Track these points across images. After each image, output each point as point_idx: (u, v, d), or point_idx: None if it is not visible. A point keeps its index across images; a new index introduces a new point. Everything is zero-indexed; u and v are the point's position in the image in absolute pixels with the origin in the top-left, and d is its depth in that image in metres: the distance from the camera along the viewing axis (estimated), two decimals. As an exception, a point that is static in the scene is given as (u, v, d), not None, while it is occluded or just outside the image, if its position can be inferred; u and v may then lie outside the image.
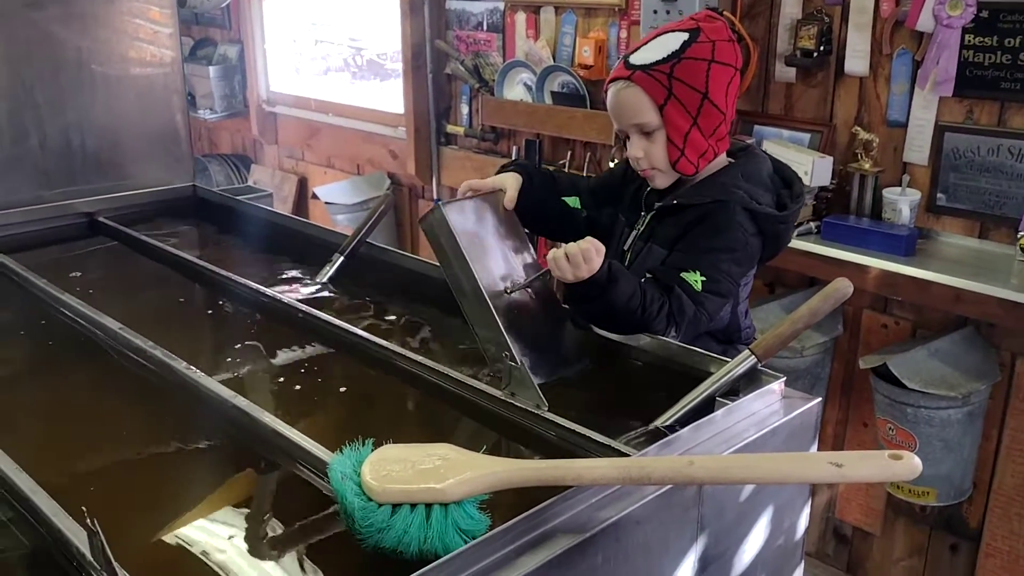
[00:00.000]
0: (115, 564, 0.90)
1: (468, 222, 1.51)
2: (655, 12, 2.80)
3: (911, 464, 0.95)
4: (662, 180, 1.70)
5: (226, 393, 1.33)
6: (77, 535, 0.98)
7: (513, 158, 3.62)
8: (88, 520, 0.90)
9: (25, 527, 1.08)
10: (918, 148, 2.64)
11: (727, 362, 1.31)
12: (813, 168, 2.68)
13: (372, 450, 1.05)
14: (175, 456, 1.31)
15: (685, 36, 1.64)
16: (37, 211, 2.27)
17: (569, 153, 3.47)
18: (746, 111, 2.98)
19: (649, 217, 1.73)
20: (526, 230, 1.67)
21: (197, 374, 1.39)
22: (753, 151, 1.78)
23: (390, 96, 4.31)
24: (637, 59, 1.66)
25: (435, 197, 4.02)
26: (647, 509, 1.03)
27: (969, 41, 2.48)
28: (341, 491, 0.98)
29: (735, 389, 1.31)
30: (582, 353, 1.52)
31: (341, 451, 1.04)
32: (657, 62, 1.63)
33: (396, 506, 0.97)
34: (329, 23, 4.72)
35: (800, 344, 2.70)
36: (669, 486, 1.05)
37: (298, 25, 4.75)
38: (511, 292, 1.47)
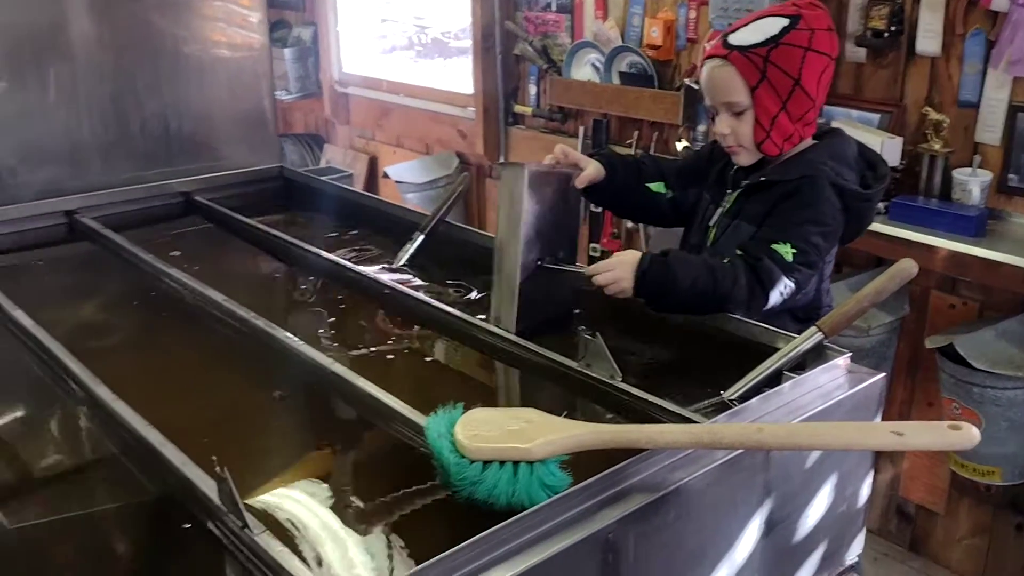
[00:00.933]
0: (241, 506, 1.01)
1: (537, 188, 1.63)
2: (725, -8, 2.83)
3: (969, 434, 1.01)
4: (746, 158, 1.76)
5: (324, 360, 1.45)
6: (204, 482, 1.10)
7: (580, 138, 3.68)
8: (217, 467, 1.02)
9: (153, 476, 1.21)
10: (990, 128, 2.63)
11: (795, 338, 1.37)
12: (882, 148, 2.68)
13: (462, 413, 1.15)
14: (277, 415, 1.43)
15: (785, 22, 1.69)
16: (137, 191, 2.43)
17: (636, 133, 3.52)
18: (815, 91, 2.99)
19: (736, 195, 1.79)
20: (606, 211, 1.78)
21: (297, 342, 1.51)
22: (840, 133, 1.83)
23: (454, 74, 4.40)
24: (736, 39, 1.72)
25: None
26: (717, 473, 1.12)
27: (1045, 20, 2.46)
28: (438, 448, 1.09)
29: (802, 364, 1.37)
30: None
31: (435, 413, 1.14)
32: (755, 45, 1.68)
33: (486, 463, 1.07)
34: (395, 1, 4.82)
35: (866, 323, 2.73)
36: (738, 452, 1.13)
37: (370, 6, 4.86)
38: (543, 264, 1.62)
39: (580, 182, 1.76)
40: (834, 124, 2.84)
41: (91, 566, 1.11)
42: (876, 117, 2.86)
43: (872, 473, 1.38)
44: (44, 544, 1.13)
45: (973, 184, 2.62)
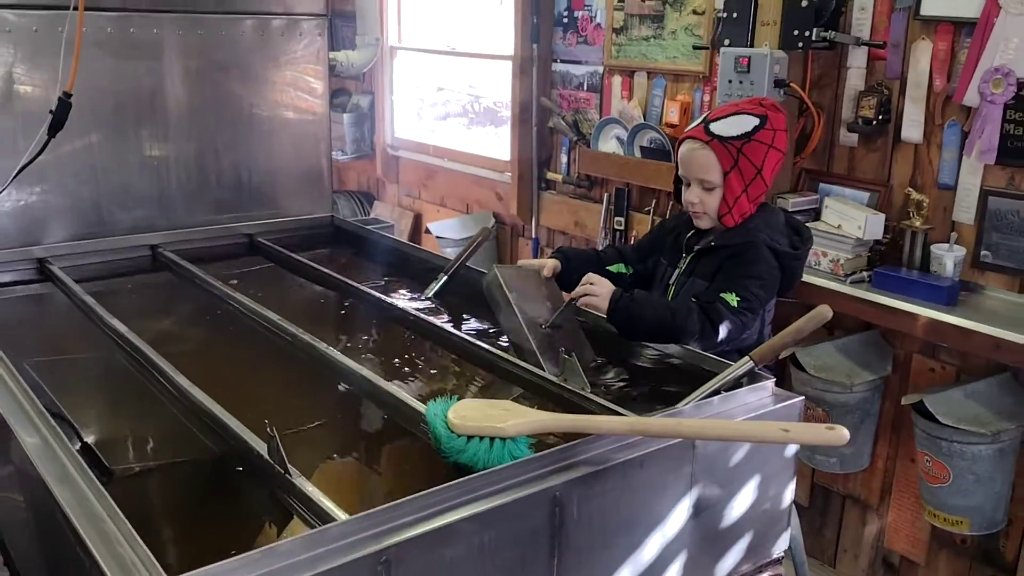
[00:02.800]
0: (286, 460, 1.36)
1: (513, 280, 2.02)
2: (730, 81, 3.18)
3: (840, 434, 1.32)
4: (706, 223, 2.14)
5: (354, 366, 1.81)
6: (257, 444, 1.45)
7: (604, 204, 4.03)
8: (268, 428, 1.37)
9: (217, 440, 1.57)
10: (965, 209, 2.91)
11: (731, 365, 1.70)
12: (866, 223, 2.98)
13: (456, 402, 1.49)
14: (317, 408, 1.79)
15: (756, 121, 2.09)
16: (210, 231, 2.86)
17: (654, 201, 3.85)
18: (813, 170, 3.30)
19: (690, 258, 2.16)
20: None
21: (335, 353, 1.88)
22: (770, 206, 2.20)
23: (503, 141, 4.79)
24: (718, 129, 2.10)
25: (533, 236, 4.47)
26: (649, 457, 1.43)
27: (1010, 116, 2.75)
28: (433, 423, 1.43)
29: (740, 386, 1.69)
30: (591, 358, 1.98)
31: (434, 400, 1.49)
32: (733, 137, 2.08)
33: (469, 437, 1.41)
34: (451, 70, 5.26)
35: (849, 380, 3.00)
36: (667, 443, 1.44)
37: (423, 78, 5.32)
38: (545, 327, 1.95)
39: (546, 273, 2.16)
40: (828, 200, 3.16)
41: (173, 499, 1.46)
42: (866, 195, 3.15)
43: (794, 481, 1.68)
44: (139, 483, 1.49)
45: (948, 258, 2.88)
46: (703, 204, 2.09)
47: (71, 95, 2.24)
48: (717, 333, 1.91)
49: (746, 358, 1.67)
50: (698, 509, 1.52)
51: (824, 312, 1.64)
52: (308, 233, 2.99)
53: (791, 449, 1.66)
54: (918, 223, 2.95)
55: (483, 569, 1.27)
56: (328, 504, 1.27)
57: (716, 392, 1.63)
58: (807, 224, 2.49)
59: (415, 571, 1.20)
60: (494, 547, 1.27)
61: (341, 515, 1.23)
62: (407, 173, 5.26)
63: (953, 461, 2.76)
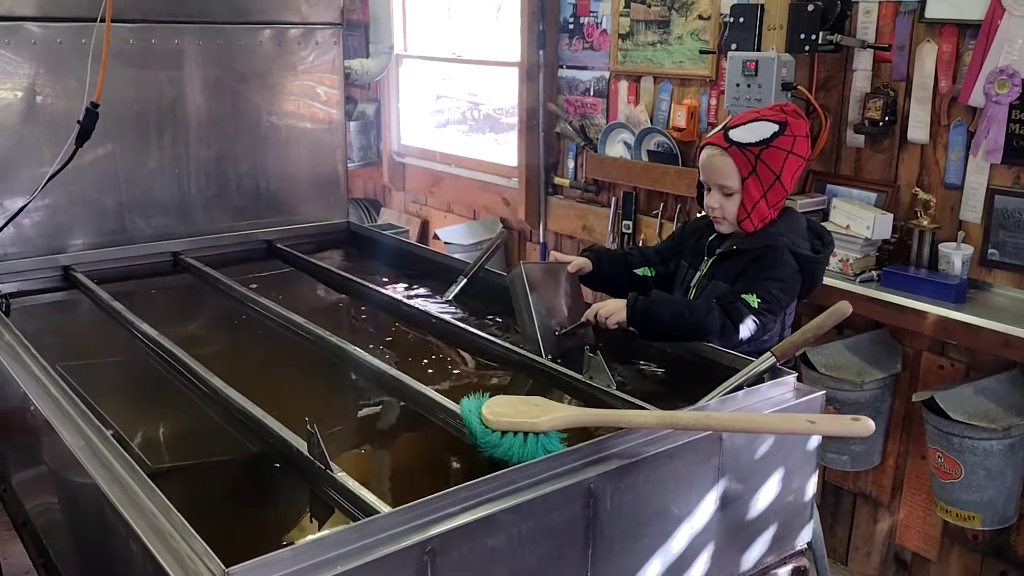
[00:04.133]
0: (327, 455, 1.39)
1: (538, 277, 2.06)
2: (737, 85, 3.21)
3: (866, 425, 1.36)
4: (727, 228, 2.17)
5: (382, 366, 1.85)
6: (296, 441, 1.49)
7: (612, 208, 4.07)
8: (308, 425, 1.41)
9: (253, 438, 1.60)
10: (972, 208, 2.94)
11: (753, 361, 1.73)
12: (874, 224, 3.02)
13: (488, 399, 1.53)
14: (348, 407, 1.83)
15: (776, 127, 2.11)
16: (230, 237, 2.90)
17: (661, 205, 3.89)
18: (820, 171, 3.34)
19: (712, 261, 2.19)
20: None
21: (362, 353, 1.92)
22: (793, 211, 2.23)
23: (502, 148, 4.83)
24: (735, 135, 2.13)
25: (541, 241, 4.50)
26: (678, 450, 1.47)
27: (1016, 116, 2.79)
28: (468, 421, 1.47)
29: (761, 382, 1.73)
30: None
31: (467, 397, 1.52)
32: (751, 143, 2.10)
33: (504, 432, 1.44)
34: (451, 78, 5.30)
35: (860, 378, 3.04)
36: (695, 436, 1.48)
37: (428, 85, 5.36)
38: (559, 333, 2.00)
39: (571, 269, 2.19)
40: (836, 201, 3.20)
41: (215, 497, 1.50)
42: (873, 196, 3.19)
43: (817, 473, 1.72)
44: (180, 481, 1.53)
45: (956, 257, 2.92)
46: (723, 209, 2.13)
47: (98, 105, 2.28)
48: (738, 332, 1.95)
49: (767, 354, 1.71)
50: (725, 501, 1.56)
51: (843, 308, 1.68)
52: (325, 238, 3.04)
53: (813, 442, 1.70)
54: (925, 222, 2.98)
55: (522, 558, 1.30)
56: (371, 497, 1.31)
57: (739, 388, 1.67)
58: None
59: (459, 560, 1.23)
60: (532, 537, 1.31)
61: (384, 507, 1.27)
62: (414, 180, 5.30)
63: (964, 457, 2.79)
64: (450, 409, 1.61)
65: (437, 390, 1.74)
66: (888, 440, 3.22)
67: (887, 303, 2.95)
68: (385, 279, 2.67)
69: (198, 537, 1.14)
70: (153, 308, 2.37)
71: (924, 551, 3.21)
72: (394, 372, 1.81)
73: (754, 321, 1.97)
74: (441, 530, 1.21)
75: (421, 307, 2.30)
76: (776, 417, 1.47)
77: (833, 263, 3.07)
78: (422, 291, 2.55)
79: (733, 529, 1.60)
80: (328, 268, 2.63)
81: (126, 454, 1.35)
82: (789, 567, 1.71)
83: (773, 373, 1.72)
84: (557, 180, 4.38)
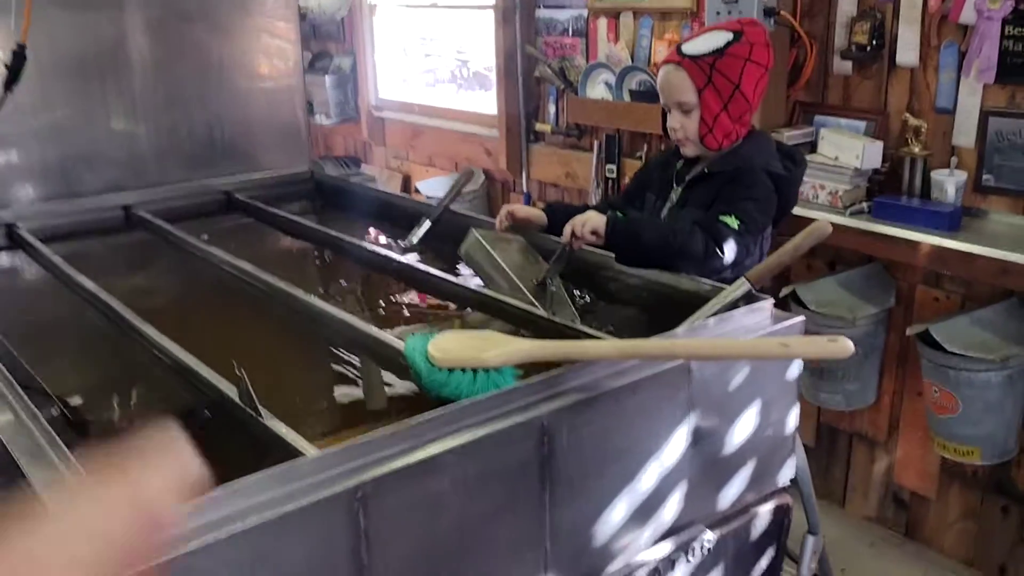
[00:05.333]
0: (256, 402, 1.28)
1: (493, 240, 1.96)
2: (718, 13, 3.07)
3: (844, 345, 1.24)
4: (691, 149, 2.05)
5: (331, 310, 1.73)
6: (230, 390, 1.37)
7: (594, 152, 3.94)
8: (237, 370, 1.29)
9: (189, 388, 1.49)
10: (965, 132, 2.82)
11: (727, 288, 1.61)
12: (864, 152, 2.90)
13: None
14: (295, 354, 1.71)
15: (730, 36, 1.99)
16: (184, 188, 2.76)
17: (645, 146, 3.76)
18: (807, 102, 3.21)
19: (682, 189, 2.07)
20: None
21: (313, 300, 1.80)
22: (762, 133, 2.13)
23: (491, 103, 4.68)
24: (688, 49, 2.01)
25: (525, 190, 4.37)
26: (642, 383, 1.36)
27: (1009, 32, 2.65)
28: (412, 357, 1.35)
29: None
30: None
31: (412, 335, 1.41)
32: (703, 54, 1.98)
33: (451, 370, 1.33)
34: (438, 37, 5.14)
35: (852, 314, 2.93)
36: (661, 367, 1.37)
37: (406, 36, 5.20)
38: (538, 282, 1.88)
39: (520, 214, 2.10)
40: (823, 132, 3.07)
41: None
42: (863, 125, 3.06)
43: (797, 405, 1.60)
44: (109, 435, 1.42)
45: (949, 184, 2.81)
46: (684, 129, 2.01)
47: (25, 47, 2.13)
48: (722, 253, 1.83)
49: (741, 279, 1.59)
50: (697, 437, 1.45)
51: (823, 227, 1.56)
52: (287, 188, 2.90)
53: (793, 372, 1.58)
54: (917, 149, 2.87)
55: (471, 503, 1.20)
56: (302, 443, 1.20)
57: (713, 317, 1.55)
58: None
59: (396, 507, 1.12)
60: (481, 481, 1.20)
61: (313, 451, 1.15)
62: (393, 135, 5.16)
63: (961, 390, 2.70)
64: (397, 348, 1.49)
65: (389, 332, 1.62)
66: (883, 378, 3.12)
67: (879, 235, 2.85)
68: (351, 226, 2.54)
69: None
70: (100, 264, 2.26)
71: (922, 490, 3.13)
72: (344, 316, 1.69)
73: (736, 241, 1.85)
74: (374, 474, 1.10)
75: (382, 252, 2.17)
76: (746, 342, 1.35)
77: (822, 196, 2.95)
78: (387, 236, 2.43)
79: (708, 467, 1.49)
80: (288, 217, 2.50)
81: (30, 403, 1.23)
82: (771, 505, 1.60)
83: (748, 300, 1.60)
84: (539, 126, 4.25)
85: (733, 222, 1.85)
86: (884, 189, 2.98)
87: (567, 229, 1.88)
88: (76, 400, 1.52)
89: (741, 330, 1.52)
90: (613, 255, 1.89)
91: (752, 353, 1.31)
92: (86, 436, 1.42)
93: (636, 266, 1.88)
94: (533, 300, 1.76)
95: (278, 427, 1.25)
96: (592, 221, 1.84)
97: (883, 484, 3.25)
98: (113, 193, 2.63)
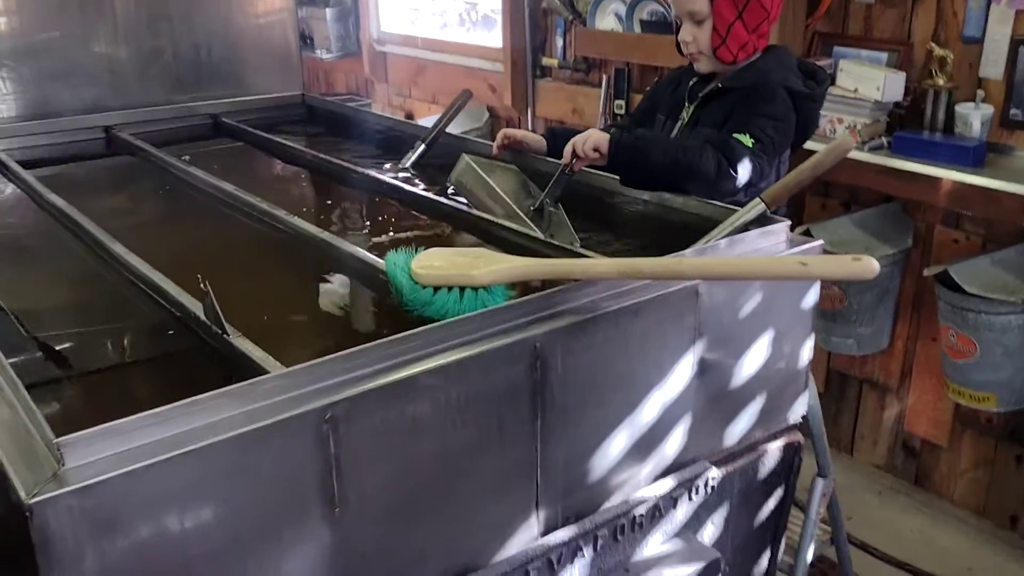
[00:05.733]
0: (222, 317, 1.17)
1: (487, 167, 1.84)
2: (735, -66, 2.90)
3: (869, 264, 1.13)
4: (705, 64, 1.90)
5: (313, 230, 1.61)
6: (195, 307, 1.26)
7: (603, 87, 3.78)
8: (202, 284, 1.18)
9: (157, 306, 1.39)
10: (993, 63, 2.67)
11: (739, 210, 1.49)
12: (885, 84, 2.75)
13: (422, 254, 1.29)
14: (279, 272, 1.60)
15: None
16: (170, 110, 2.63)
17: (656, 80, 3.60)
18: (826, 32, 3.05)
19: (694, 107, 1.93)
20: None
21: (295, 220, 1.68)
22: (781, 48, 1.98)
23: (497, 39, 4.51)
24: None
25: (531, 128, 4.22)
26: (645, 305, 1.24)
27: (1046, -48, 2.49)
28: (393, 274, 1.24)
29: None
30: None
31: (394, 251, 1.29)
32: None
33: (437, 288, 1.22)
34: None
35: (868, 254, 2.81)
36: (665, 288, 1.25)
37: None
38: (534, 208, 1.76)
39: (510, 138, 2.00)
40: (843, 63, 2.91)
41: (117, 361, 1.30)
42: (885, 56, 2.91)
43: (812, 336, 1.49)
44: (69, 351, 1.33)
45: (974, 117, 2.67)
46: (696, 41, 1.87)
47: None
48: (735, 173, 1.70)
49: (756, 200, 1.46)
50: (703, 366, 1.34)
51: (846, 142, 1.43)
52: (277, 113, 2.77)
53: (809, 300, 1.46)
54: (941, 81, 2.73)
55: (454, 429, 1.09)
56: (271, 361, 1.09)
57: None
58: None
59: (370, 431, 1.02)
60: (465, 404, 1.10)
61: (279, 369, 1.05)
62: (396, 71, 4.99)
63: (980, 334, 2.58)
64: (379, 267, 1.38)
65: (372, 251, 1.50)
66: (897, 322, 3.01)
67: (898, 171, 2.73)
68: (343, 151, 2.41)
69: (34, 407, 0.92)
70: (75, 184, 2.14)
71: (934, 437, 3.03)
72: (326, 236, 1.58)
73: (751, 161, 1.72)
74: (345, 395, 0.99)
75: (374, 174, 2.05)
76: (761, 260, 1.23)
77: (840, 130, 2.80)
78: (381, 160, 2.30)
79: (714, 399, 1.39)
80: (278, 141, 2.37)
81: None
82: (780, 442, 1.50)
83: (762, 222, 1.47)
84: (545, 61, 4.08)
85: (748, 140, 1.72)
86: (905, 123, 2.84)
87: (568, 148, 1.75)
88: (38, 320, 1.42)
89: (754, 253, 1.40)
90: (617, 177, 1.76)
91: (767, 272, 1.19)
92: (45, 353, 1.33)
93: (642, 188, 1.76)
94: (529, 224, 1.64)
95: (244, 344, 1.14)
96: (594, 138, 1.71)
97: (893, 432, 3.16)
98: (93, 114, 2.50)
